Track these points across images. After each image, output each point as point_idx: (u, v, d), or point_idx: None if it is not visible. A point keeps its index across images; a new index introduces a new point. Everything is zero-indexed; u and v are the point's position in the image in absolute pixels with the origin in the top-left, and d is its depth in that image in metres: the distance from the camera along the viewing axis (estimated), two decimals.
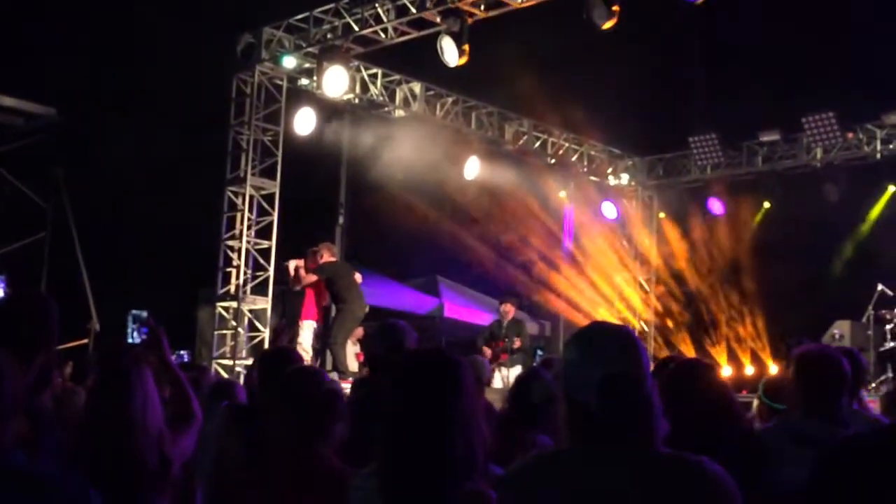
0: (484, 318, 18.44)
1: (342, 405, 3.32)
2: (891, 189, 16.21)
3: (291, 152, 15.03)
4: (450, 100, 16.41)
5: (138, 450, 3.54)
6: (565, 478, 2.44)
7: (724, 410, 3.82)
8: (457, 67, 12.59)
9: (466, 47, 12.21)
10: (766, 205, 17.64)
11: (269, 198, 14.85)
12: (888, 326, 12.85)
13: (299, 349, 12.73)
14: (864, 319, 13.31)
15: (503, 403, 6.58)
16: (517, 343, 13.76)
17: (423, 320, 18.66)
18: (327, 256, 12.71)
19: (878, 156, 15.97)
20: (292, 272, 12.74)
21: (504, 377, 13.21)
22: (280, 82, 14.99)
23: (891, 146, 15.83)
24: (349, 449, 3.30)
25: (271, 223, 14.80)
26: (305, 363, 4.87)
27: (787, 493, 3.18)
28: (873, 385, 12.25)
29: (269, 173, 14.87)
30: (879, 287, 13.02)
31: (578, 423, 2.46)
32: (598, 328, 2.63)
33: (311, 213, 16.67)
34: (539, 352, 14.53)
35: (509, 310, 14.10)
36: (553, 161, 18.25)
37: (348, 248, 17.49)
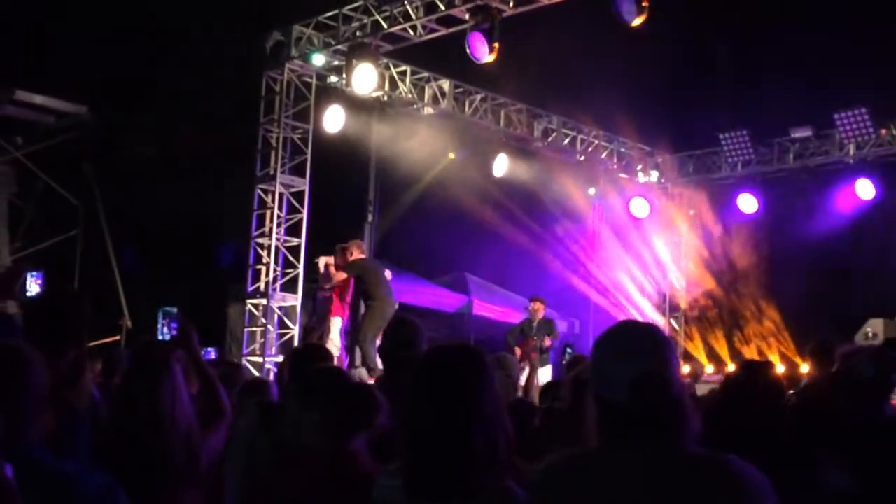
0: (512, 316, 18.39)
1: (374, 402, 3.31)
2: None
3: (321, 150, 15.07)
4: (478, 97, 16.39)
5: (166, 445, 3.56)
6: (597, 476, 2.43)
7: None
8: (486, 64, 12.57)
9: (496, 44, 12.18)
10: (798, 202, 17.47)
11: (299, 195, 14.89)
12: None
13: (329, 346, 12.79)
14: None
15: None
16: (547, 341, 13.72)
17: (452, 318, 18.65)
18: (357, 254, 12.69)
19: None
20: (322, 269, 12.73)
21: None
22: (309, 80, 15.03)
23: None
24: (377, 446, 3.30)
25: (301, 220, 14.85)
26: (334, 361, 4.87)
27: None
28: None
29: (298, 171, 14.93)
30: None
31: (609, 422, 2.45)
32: (629, 327, 2.62)
33: (340, 210, 16.70)
34: (568, 350, 14.46)
35: (538, 308, 14.08)
36: (582, 158, 18.19)
37: (377, 245, 17.50)
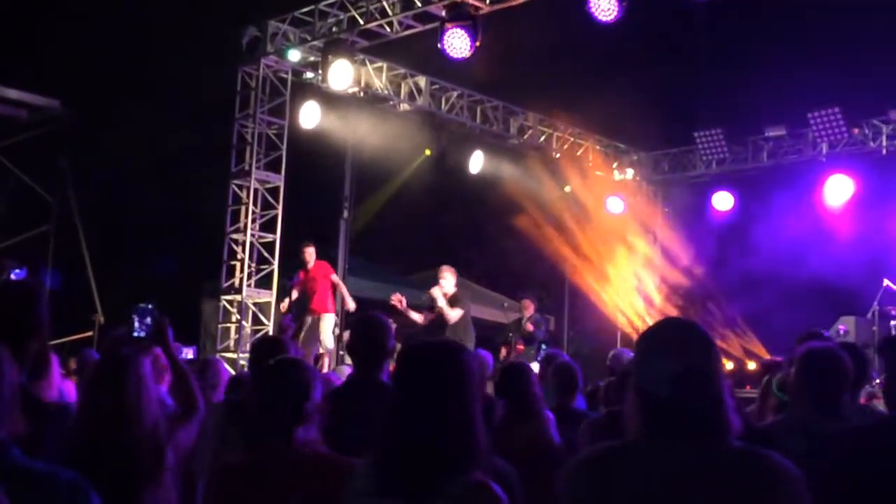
0: (489, 314, 18.42)
1: (317, 395, 3.32)
2: None
3: (296, 146, 15.05)
4: (455, 94, 16.39)
5: (131, 440, 3.55)
6: (635, 468, 2.46)
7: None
8: (462, 61, 12.58)
9: (477, 42, 12.18)
10: (771, 199, 17.60)
11: (274, 191, 14.86)
12: (893, 322, 12.82)
13: (322, 342, 12.81)
14: (869, 315, 13.28)
15: None
16: (529, 327, 13.91)
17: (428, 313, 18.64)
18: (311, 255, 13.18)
19: (884, 151, 15.92)
20: (437, 300, 12.28)
21: None
22: (285, 75, 15.00)
23: None
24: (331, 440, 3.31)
25: (276, 216, 14.82)
26: (294, 352, 4.85)
27: None
28: (878, 381, 12.22)
29: (273, 167, 14.89)
30: (885, 283, 12.99)
31: (650, 415, 2.49)
32: (672, 323, 2.68)
33: (315, 206, 16.66)
34: (543, 347, 14.48)
35: (528, 305, 14.27)
36: (558, 155, 18.22)
37: (353, 242, 17.48)
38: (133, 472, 3.52)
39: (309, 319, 13.11)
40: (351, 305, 13.18)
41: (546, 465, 4.49)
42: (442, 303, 12.08)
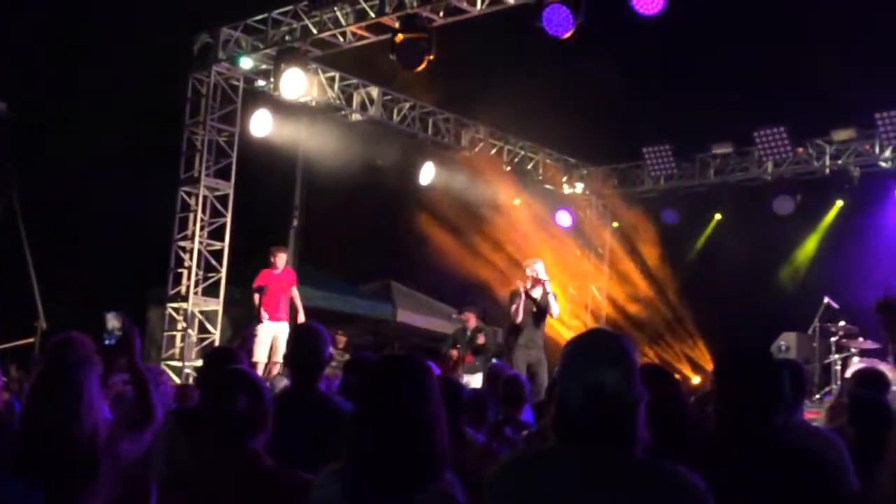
0: (436, 325, 18.45)
1: (266, 408, 3.32)
2: (838, 204, 16.46)
3: (247, 154, 14.96)
4: (407, 105, 16.43)
5: (69, 445, 3.52)
6: (548, 475, 2.52)
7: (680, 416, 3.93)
8: (415, 73, 12.61)
9: (426, 53, 12.21)
10: (718, 216, 17.88)
11: (223, 199, 14.77)
12: (833, 339, 13.04)
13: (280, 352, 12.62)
14: (810, 331, 13.49)
15: None
16: (481, 339, 13.90)
17: (376, 325, 18.65)
18: (283, 261, 12.93)
19: (827, 171, 16.23)
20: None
21: (465, 383, 13.22)
22: (236, 83, 14.93)
23: (839, 162, 16.09)
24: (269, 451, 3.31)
25: (224, 224, 14.72)
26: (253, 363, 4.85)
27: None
28: (817, 396, 12.44)
29: (223, 174, 14.80)
30: (825, 300, 13.20)
31: (563, 425, 2.55)
32: (593, 335, 2.73)
33: (265, 215, 16.58)
34: (494, 360, 14.42)
35: (469, 318, 14.22)
36: (508, 168, 18.32)
37: (302, 251, 17.43)
38: (69, 477, 3.49)
39: (272, 326, 12.81)
40: (302, 318, 13.06)
41: None
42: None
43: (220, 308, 14.54)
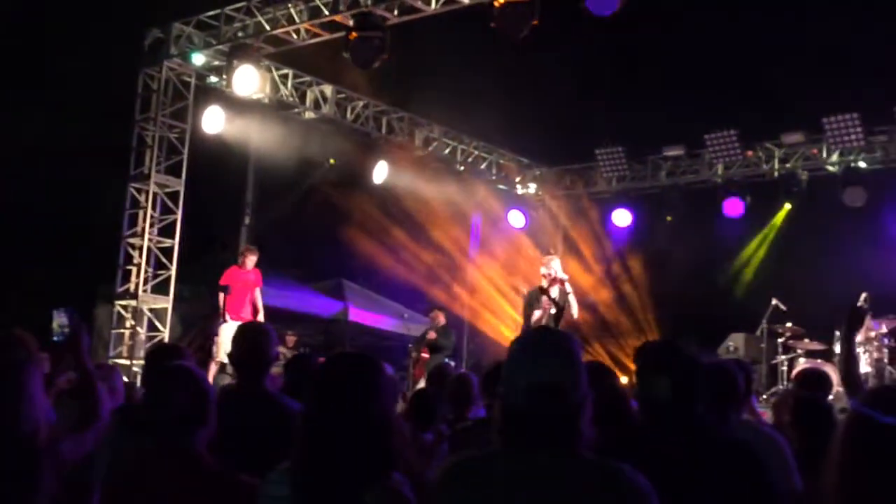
0: (388, 324, 18.42)
1: (209, 406, 3.30)
2: (787, 206, 16.68)
3: (198, 150, 14.83)
4: (361, 103, 16.38)
5: (9, 445, 3.47)
6: (494, 476, 2.51)
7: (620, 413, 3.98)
8: (369, 71, 12.58)
9: (381, 52, 12.17)
10: (669, 218, 18.04)
11: (174, 196, 14.62)
12: (780, 340, 13.24)
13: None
14: (758, 332, 13.68)
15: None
16: (431, 335, 14.04)
17: (328, 324, 18.58)
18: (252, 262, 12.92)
19: (776, 174, 16.45)
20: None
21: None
22: (188, 79, 14.79)
23: (788, 165, 16.32)
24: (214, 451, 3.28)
25: (175, 221, 14.57)
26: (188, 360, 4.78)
27: None
28: (765, 396, 12.61)
29: (174, 171, 14.66)
30: (773, 301, 13.39)
31: (508, 426, 2.53)
32: (538, 334, 2.75)
33: (216, 212, 16.44)
34: (446, 360, 14.51)
35: (438, 316, 14.46)
36: (462, 168, 18.35)
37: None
38: (9, 478, 3.44)
39: (234, 326, 12.64)
40: (262, 320, 12.98)
41: None
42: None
43: (169, 306, 14.39)
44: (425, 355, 14.36)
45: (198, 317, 15.53)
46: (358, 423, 2.76)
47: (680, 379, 3.33)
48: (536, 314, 10.90)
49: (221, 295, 12.74)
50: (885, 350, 12.05)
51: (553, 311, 10.81)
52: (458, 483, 2.56)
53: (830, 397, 7.86)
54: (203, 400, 3.23)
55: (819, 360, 12.45)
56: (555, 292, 10.90)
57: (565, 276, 11.04)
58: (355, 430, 2.75)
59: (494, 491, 2.48)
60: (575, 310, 11.05)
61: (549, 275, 11.02)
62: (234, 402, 4.12)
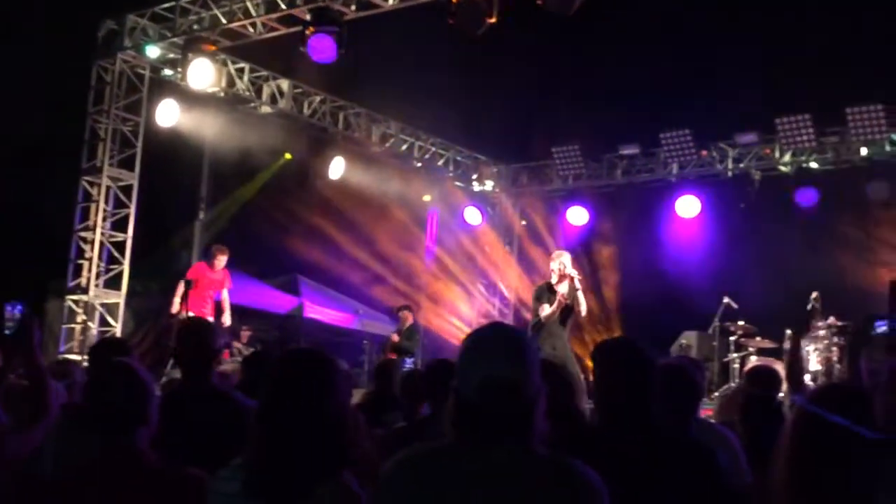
0: (343, 320, 18.37)
1: (149, 403, 3.26)
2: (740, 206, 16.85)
3: (152, 144, 14.69)
4: (317, 98, 16.30)
5: None
6: (445, 470, 2.50)
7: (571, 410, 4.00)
8: (326, 66, 12.51)
9: (338, 47, 12.11)
10: (623, 216, 18.17)
11: (127, 189, 14.47)
12: (732, 338, 13.37)
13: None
14: (710, 331, 13.81)
15: None
16: (394, 338, 14.11)
17: (283, 320, 18.48)
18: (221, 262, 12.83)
19: (730, 174, 16.62)
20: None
21: None
22: (143, 71, 14.64)
23: (741, 165, 16.49)
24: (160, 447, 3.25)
25: (128, 215, 14.43)
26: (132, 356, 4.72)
27: None
28: (717, 394, 12.73)
29: (127, 164, 14.51)
30: (725, 300, 13.53)
31: (461, 419, 2.52)
32: (492, 329, 2.69)
33: (170, 207, 16.28)
34: (407, 360, 14.48)
35: (407, 317, 14.50)
36: (419, 164, 18.34)
37: (208, 243, 17.16)
38: None
39: None
40: (228, 320, 12.90)
41: None
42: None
43: (122, 301, 14.24)
44: (393, 356, 14.39)
45: (151, 312, 15.38)
46: (313, 420, 2.76)
47: (636, 378, 3.37)
48: (547, 309, 10.54)
49: (182, 287, 12.58)
50: (835, 349, 12.21)
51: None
52: (410, 477, 2.54)
53: (781, 395, 7.96)
54: (143, 397, 3.18)
55: (770, 358, 12.62)
56: (564, 288, 10.60)
57: (575, 273, 10.67)
58: (310, 427, 2.75)
59: (446, 486, 2.47)
60: (584, 307, 10.68)
61: (560, 270, 10.67)
62: (182, 399, 4.09)
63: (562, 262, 10.71)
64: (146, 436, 3.16)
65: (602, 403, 3.46)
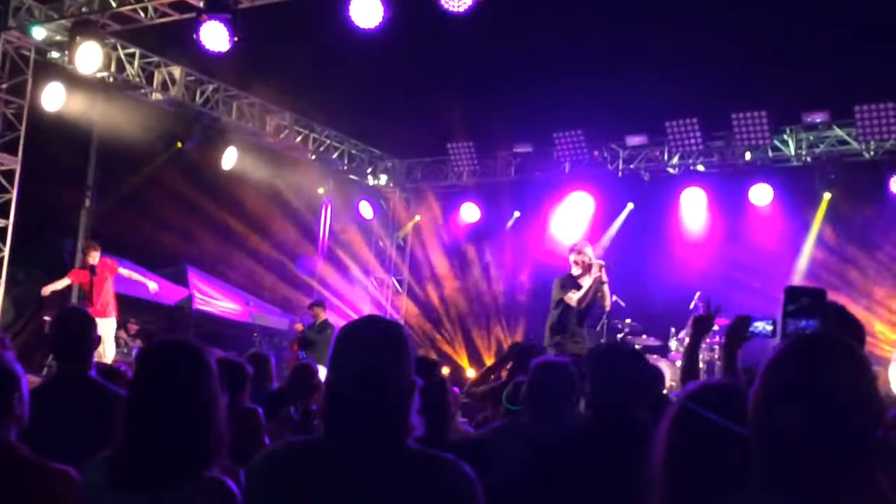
0: (233, 312, 18.16)
1: (13, 396, 3.16)
2: (630, 206, 17.22)
3: (36, 128, 14.27)
4: (211, 87, 16.03)
5: None
6: (315, 465, 2.46)
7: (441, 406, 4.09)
8: (221, 55, 12.29)
9: (232, 35, 11.92)
10: (517, 213, 18.39)
11: (9, 174, 14.04)
12: (619, 335, 13.65)
13: (105, 351, 12.01)
14: (598, 328, 14.06)
15: None
16: (298, 326, 14.16)
17: (172, 311, 18.16)
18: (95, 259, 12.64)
19: (620, 174, 16.96)
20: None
21: None
22: (28, 53, 14.19)
23: (631, 166, 16.85)
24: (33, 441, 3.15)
25: (9, 201, 13.99)
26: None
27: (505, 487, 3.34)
28: None
29: (9, 148, 14.06)
30: (613, 297, 13.79)
31: (333, 412, 2.49)
32: (365, 321, 2.66)
33: (54, 193, 15.78)
34: (301, 354, 14.43)
35: (319, 312, 14.56)
36: (313, 157, 18.20)
37: (94, 231, 16.73)
38: None
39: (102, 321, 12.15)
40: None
41: None
42: None
43: (1, 289, 13.78)
44: (296, 350, 14.43)
45: (32, 301, 14.92)
46: (180, 410, 2.73)
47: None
48: (574, 297, 10.23)
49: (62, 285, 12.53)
50: (717, 348, 12.58)
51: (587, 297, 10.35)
52: (276, 471, 2.50)
53: (664, 392, 8.18)
54: (8, 389, 3.06)
55: (655, 356, 12.94)
56: (587, 282, 10.34)
57: (602, 263, 10.41)
58: (176, 417, 2.72)
59: (314, 480, 2.43)
60: (608, 300, 10.47)
61: (582, 262, 10.40)
62: (60, 390, 4.00)
63: (585, 254, 10.44)
64: (10, 429, 3.05)
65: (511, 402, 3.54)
